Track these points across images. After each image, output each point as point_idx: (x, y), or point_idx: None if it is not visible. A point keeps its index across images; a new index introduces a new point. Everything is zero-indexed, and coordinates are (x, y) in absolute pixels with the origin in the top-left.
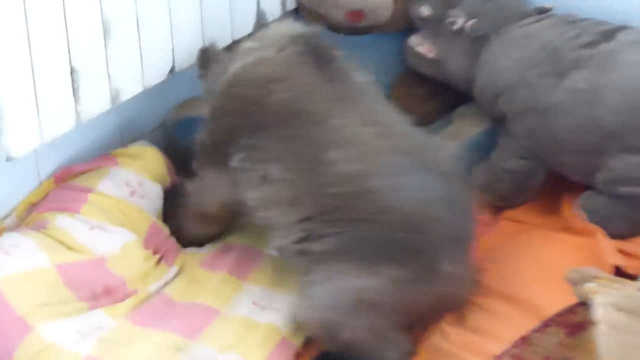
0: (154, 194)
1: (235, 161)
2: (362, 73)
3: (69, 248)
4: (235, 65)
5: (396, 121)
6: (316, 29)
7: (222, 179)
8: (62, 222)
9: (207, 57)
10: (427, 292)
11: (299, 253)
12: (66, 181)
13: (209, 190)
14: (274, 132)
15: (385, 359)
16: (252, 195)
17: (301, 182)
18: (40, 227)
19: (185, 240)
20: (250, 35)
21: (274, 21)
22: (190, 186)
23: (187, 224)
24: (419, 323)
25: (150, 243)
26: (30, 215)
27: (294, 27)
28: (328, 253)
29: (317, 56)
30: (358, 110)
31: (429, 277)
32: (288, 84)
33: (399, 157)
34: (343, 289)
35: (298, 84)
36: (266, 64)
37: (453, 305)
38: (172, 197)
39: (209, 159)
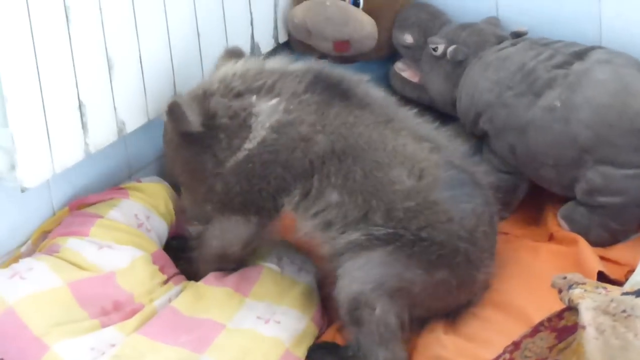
0: (161, 230)
1: (288, 205)
2: (374, 86)
3: (80, 267)
4: (265, 127)
5: (437, 133)
6: (318, 61)
7: (249, 222)
8: (72, 244)
9: (179, 112)
10: (461, 297)
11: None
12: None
13: (234, 233)
14: (330, 170)
15: (376, 358)
16: (309, 223)
17: (369, 202)
18: (52, 252)
19: (198, 278)
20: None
21: (258, 58)
22: (210, 231)
23: (204, 266)
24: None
25: (157, 261)
26: (43, 242)
27: (295, 65)
28: (389, 241)
29: (338, 89)
30: (407, 129)
31: (468, 285)
32: (329, 129)
33: (452, 170)
34: (393, 275)
35: (337, 124)
36: (300, 119)
37: (466, 306)
38: (180, 243)
39: (236, 206)
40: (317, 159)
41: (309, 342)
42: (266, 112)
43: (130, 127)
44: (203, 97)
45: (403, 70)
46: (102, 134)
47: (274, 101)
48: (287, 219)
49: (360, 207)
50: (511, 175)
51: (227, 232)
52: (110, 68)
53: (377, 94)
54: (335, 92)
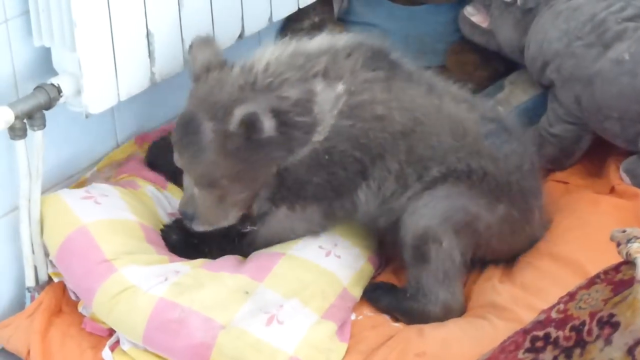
0: None
1: (361, 192)
2: (410, 59)
3: (152, 213)
4: (334, 114)
5: (467, 94)
6: (360, 34)
7: (323, 211)
8: (151, 192)
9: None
10: (524, 233)
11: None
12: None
13: (308, 223)
14: (400, 146)
15: (435, 297)
16: (372, 204)
17: (425, 166)
18: (128, 185)
19: None
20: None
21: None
22: (278, 224)
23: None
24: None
25: None
26: (113, 170)
27: (341, 41)
28: (447, 177)
29: (390, 61)
30: (445, 94)
31: (529, 218)
32: (399, 105)
33: (488, 124)
34: (458, 208)
35: (404, 99)
36: (371, 99)
37: (524, 251)
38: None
39: (311, 195)
40: (390, 138)
41: (365, 282)
42: (330, 98)
43: None
44: (250, 92)
45: (472, 14)
46: (168, 64)
47: (338, 86)
48: None
49: (417, 173)
50: (575, 126)
51: (300, 223)
52: None
53: (413, 66)
54: (389, 66)
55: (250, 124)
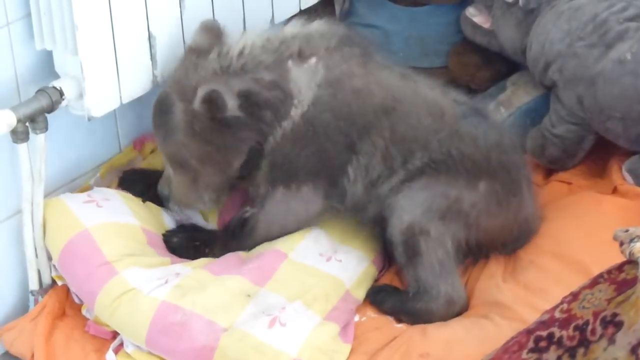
0: None
1: (349, 168)
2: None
3: (156, 219)
4: (312, 87)
5: (436, 81)
6: (345, 26)
7: (319, 189)
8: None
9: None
10: (511, 206)
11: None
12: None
13: (306, 204)
14: (384, 124)
15: (437, 292)
16: (359, 185)
17: (408, 148)
18: None
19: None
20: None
21: (270, 28)
22: (275, 209)
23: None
24: (485, 251)
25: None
26: (116, 177)
27: (315, 26)
28: (425, 169)
29: (364, 46)
30: (419, 81)
31: (514, 191)
32: (377, 80)
33: (462, 106)
34: (438, 195)
35: (380, 77)
36: (349, 72)
37: (521, 236)
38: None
39: (304, 173)
40: (372, 112)
41: (368, 284)
42: (305, 73)
43: None
44: (222, 75)
45: (474, 15)
46: (171, 66)
47: (312, 60)
48: None
49: (401, 155)
50: (578, 127)
51: (297, 203)
52: (181, 0)
53: (380, 53)
54: (362, 47)
55: (211, 102)
